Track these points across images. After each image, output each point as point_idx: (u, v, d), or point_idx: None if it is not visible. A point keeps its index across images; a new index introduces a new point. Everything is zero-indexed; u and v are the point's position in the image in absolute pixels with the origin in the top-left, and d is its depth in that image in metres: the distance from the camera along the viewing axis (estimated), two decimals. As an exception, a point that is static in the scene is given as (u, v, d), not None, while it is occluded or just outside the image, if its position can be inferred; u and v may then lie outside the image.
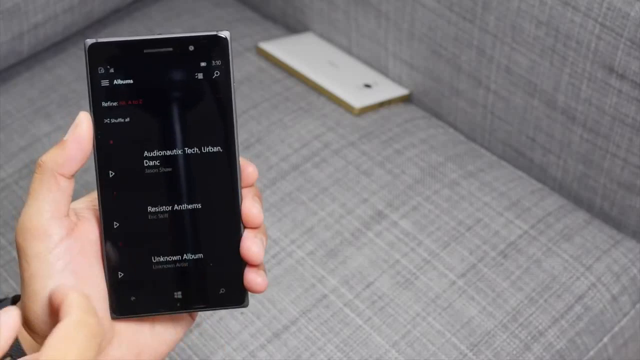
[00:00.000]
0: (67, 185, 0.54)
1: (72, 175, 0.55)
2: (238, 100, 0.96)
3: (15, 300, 0.58)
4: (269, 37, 1.07)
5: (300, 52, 1.04)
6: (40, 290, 0.54)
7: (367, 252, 0.84)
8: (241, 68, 1.02)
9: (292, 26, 1.11)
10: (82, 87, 0.96)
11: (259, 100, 0.98)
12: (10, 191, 0.90)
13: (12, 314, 0.48)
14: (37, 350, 0.50)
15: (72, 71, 1.00)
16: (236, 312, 0.79)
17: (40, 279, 0.53)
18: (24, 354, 0.54)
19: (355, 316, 0.80)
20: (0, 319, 0.48)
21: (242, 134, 0.94)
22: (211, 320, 0.79)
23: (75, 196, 0.57)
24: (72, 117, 0.55)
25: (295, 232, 0.86)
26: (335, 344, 0.78)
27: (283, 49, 1.04)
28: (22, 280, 0.54)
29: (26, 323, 0.55)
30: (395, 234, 0.86)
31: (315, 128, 0.95)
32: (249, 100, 0.98)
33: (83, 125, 0.55)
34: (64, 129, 0.93)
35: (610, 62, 0.83)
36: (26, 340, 0.55)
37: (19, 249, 0.54)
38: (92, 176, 0.56)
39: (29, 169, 0.91)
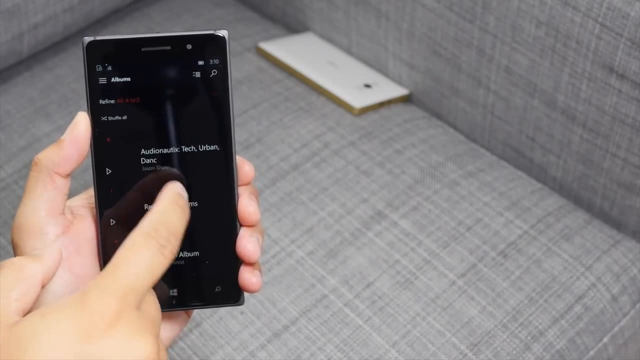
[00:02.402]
0: (63, 184, 0.55)
1: (69, 174, 0.55)
2: (238, 100, 0.97)
3: None
4: (269, 37, 1.07)
5: (300, 52, 1.04)
6: None
7: (367, 252, 0.84)
8: (241, 68, 1.02)
9: (292, 26, 1.11)
10: (82, 87, 0.96)
11: (259, 100, 0.98)
12: (10, 191, 0.90)
13: (55, 247, 0.52)
14: None
15: (72, 71, 1.00)
16: (236, 312, 0.79)
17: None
18: None
19: (355, 316, 0.80)
20: (43, 251, 0.51)
21: (242, 134, 0.94)
22: (211, 320, 0.79)
23: (73, 194, 0.58)
24: (72, 117, 0.55)
25: (295, 232, 0.86)
26: (335, 344, 0.78)
27: (283, 49, 1.04)
28: None
29: None
30: (395, 234, 0.86)
31: (315, 128, 0.95)
32: (249, 100, 0.98)
33: (80, 125, 0.55)
34: (64, 129, 0.93)
35: (610, 62, 0.83)
36: None
37: (14, 247, 0.54)
38: (91, 175, 0.56)
39: (29, 169, 0.91)
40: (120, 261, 0.48)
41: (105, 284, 0.48)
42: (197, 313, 0.79)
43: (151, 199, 0.56)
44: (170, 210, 0.52)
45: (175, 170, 0.56)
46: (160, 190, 0.53)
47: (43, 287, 0.51)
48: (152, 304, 0.50)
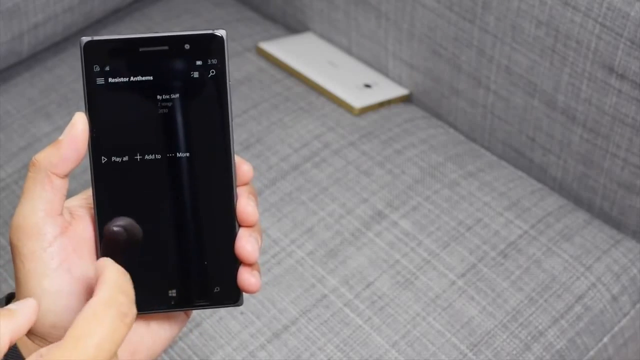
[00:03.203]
0: (61, 185, 0.54)
1: (66, 175, 0.55)
2: (238, 100, 0.97)
3: (9, 298, 0.58)
4: (269, 37, 1.07)
5: (300, 52, 1.04)
6: (34, 289, 0.54)
7: (367, 252, 0.84)
8: (241, 68, 1.02)
9: (292, 26, 1.11)
10: (81, 87, 0.96)
11: (259, 100, 0.98)
12: (10, 191, 0.90)
13: (30, 302, 0.49)
14: (34, 351, 0.50)
15: (72, 71, 1.00)
16: (236, 312, 0.79)
17: (35, 277, 0.53)
18: (20, 355, 0.54)
19: (355, 316, 0.80)
20: (17, 307, 0.48)
21: (242, 134, 0.94)
22: (211, 320, 0.79)
23: (73, 194, 0.57)
24: (72, 117, 0.55)
25: (295, 232, 0.86)
26: (335, 344, 0.78)
27: (283, 49, 1.04)
28: (17, 279, 0.54)
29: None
30: (395, 234, 0.86)
31: (315, 128, 0.95)
32: (249, 100, 0.98)
33: (78, 126, 0.55)
34: (63, 129, 0.93)
35: (610, 62, 0.83)
36: (20, 341, 0.55)
37: (13, 248, 0.54)
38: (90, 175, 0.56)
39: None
40: (81, 333, 0.47)
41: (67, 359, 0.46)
42: (196, 313, 0.79)
43: (150, 200, 0.56)
44: (123, 279, 0.50)
45: (170, 175, 0.56)
46: (102, 266, 0.51)
47: (11, 345, 0.49)
48: None
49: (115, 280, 0.49)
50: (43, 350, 0.47)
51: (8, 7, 0.93)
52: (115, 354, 0.47)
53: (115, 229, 0.55)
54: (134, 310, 0.49)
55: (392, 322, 0.80)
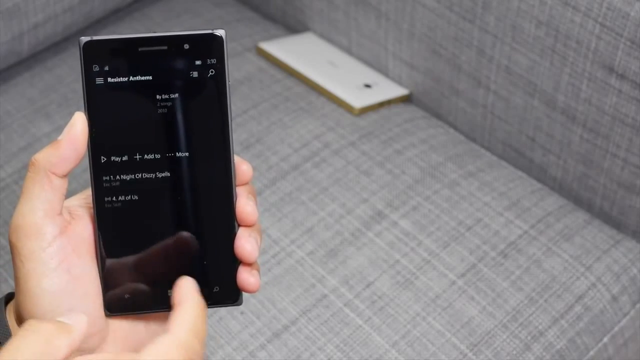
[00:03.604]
0: (61, 184, 0.54)
1: (66, 175, 0.55)
2: (238, 100, 0.97)
3: (8, 298, 0.58)
4: (269, 37, 1.07)
5: (300, 52, 1.04)
6: (34, 289, 0.54)
7: (367, 252, 0.84)
8: (241, 68, 1.02)
9: (292, 26, 1.11)
10: (81, 87, 0.96)
11: (259, 100, 0.98)
12: (10, 191, 0.90)
13: (83, 318, 0.50)
14: None
15: (72, 71, 1.00)
16: (236, 312, 0.79)
17: (34, 277, 0.53)
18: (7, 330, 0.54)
19: (355, 316, 0.80)
20: (72, 321, 0.49)
21: (242, 134, 0.94)
22: (211, 320, 0.79)
23: (73, 194, 0.57)
24: (71, 117, 0.55)
25: (295, 232, 0.86)
26: (335, 344, 0.78)
27: (283, 49, 1.04)
28: (16, 279, 0.54)
29: (20, 322, 0.55)
30: (395, 234, 0.86)
31: (315, 128, 0.95)
32: (249, 100, 0.98)
33: (78, 126, 0.55)
34: (63, 129, 0.93)
35: (610, 62, 0.83)
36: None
37: (12, 248, 0.54)
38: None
39: (28, 169, 0.91)
40: None
41: None
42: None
43: (149, 199, 0.56)
44: (201, 319, 0.51)
45: (169, 174, 0.56)
46: (179, 287, 0.52)
47: None
48: None
49: (194, 322, 0.51)
50: None
51: (8, 7, 0.93)
52: None
53: None
54: (202, 353, 0.50)
55: (392, 322, 0.80)
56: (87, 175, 0.56)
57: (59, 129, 0.94)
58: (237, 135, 0.93)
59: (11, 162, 0.92)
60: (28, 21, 0.96)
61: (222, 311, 0.79)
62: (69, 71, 1.01)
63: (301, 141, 0.94)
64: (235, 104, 0.96)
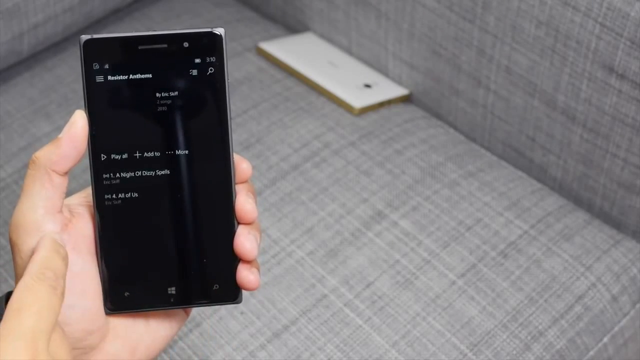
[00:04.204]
0: (61, 182, 0.55)
1: (66, 173, 0.55)
2: (238, 101, 0.97)
3: (8, 297, 0.58)
4: (269, 37, 1.07)
5: (300, 52, 1.04)
6: None
7: (367, 252, 0.84)
8: (241, 68, 1.02)
9: (292, 26, 1.11)
10: (81, 86, 0.96)
11: (259, 100, 0.98)
12: (10, 191, 0.90)
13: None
14: None
15: (72, 71, 1.00)
16: (236, 312, 0.79)
17: None
18: None
19: (355, 316, 0.80)
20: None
21: (242, 134, 0.94)
22: (211, 320, 0.79)
23: (73, 194, 0.58)
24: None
25: (295, 232, 0.86)
26: (335, 344, 0.78)
27: (283, 49, 1.04)
28: (17, 276, 0.54)
29: None
30: (395, 234, 0.86)
31: (315, 128, 0.95)
32: (249, 100, 0.98)
33: (78, 124, 0.55)
34: (63, 128, 0.94)
35: (610, 62, 0.83)
36: None
37: (12, 245, 0.54)
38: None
39: (28, 169, 0.91)
40: (20, 305, 0.49)
41: (12, 330, 0.47)
42: (197, 313, 0.79)
43: (149, 197, 0.56)
44: (50, 255, 0.52)
45: (169, 172, 0.56)
46: (36, 244, 0.53)
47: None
48: (59, 343, 0.50)
49: (43, 257, 0.52)
50: None
51: (8, 7, 0.93)
52: (55, 324, 0.49)
53: None
54: (62, 284, 0.51)
55: (392, 322, 0.80)
56: (87, 175, 0.56)
57: (59, 129, 0.94)
58: (237, 135, 0.93)
59: (11, 162, 0.92)
60: (28, 21, 0.96)
61: (222, 311, 0.79)
62: (69, 71, 1.01)
63: (301, 141, 0.94)
64: (235, 104, 0.96)
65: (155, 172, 0.56)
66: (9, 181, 0.91)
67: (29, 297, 0.49)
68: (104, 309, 0.56)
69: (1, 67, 0.98)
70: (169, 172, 0.56)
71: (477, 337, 0.79)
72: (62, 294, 0.51)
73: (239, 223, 0.57)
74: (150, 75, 0.55)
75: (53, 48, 1.03)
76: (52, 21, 0.98)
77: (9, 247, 0.85)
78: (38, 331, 0.48)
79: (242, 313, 0.79)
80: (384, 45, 1.01)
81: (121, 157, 0.55)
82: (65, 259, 0.53)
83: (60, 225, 0.55)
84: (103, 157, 0.55)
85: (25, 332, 0.47)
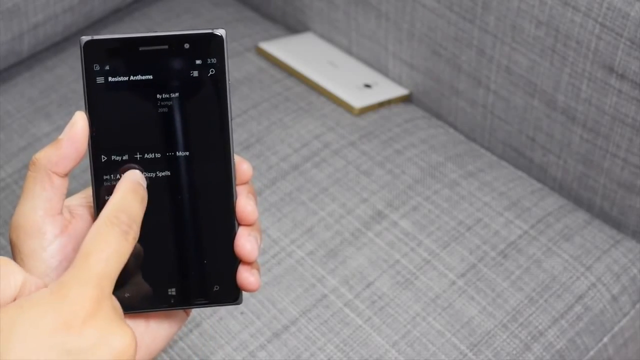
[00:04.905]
0: (61, 184, 0.55)
1: (66, 174, 0.55)
2: (238, 101, 0.97)
3: None
4: (269, 37, 1.07)
5: (300, 52, 1.04)
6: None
7: (367, 252, 0.84)
8: (241, 68, 1.02)
9: (292, 26, 1.11)
10: (81, 87, 0.96)
11: (259, 100, 0.98)
12: (10, 191, 0.90)
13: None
14: None
15: (72, 71, 1.00)
16: (236, 312, 0.79)
17: (35, 276, 0.54)
18: None
19: (355, 316, 0.80)
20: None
21: (242, 134, 0.94)
22: (211, 320, 0.79)
23: (74, 194, 0.57)
24: (72, 117, 0.55)
25: (295, 232, 0.86)
26: (335, 344, 0.78)
27: (283, 49, 1.04)
28: None
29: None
30: (395, 234, 0.86)
31: (315, 128, 0.95)
32: (249, 100, 0.98)
33: (78, 125, 0.55)
34: (64, 129, 0.93)
35: (610, 62, 0.83)
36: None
37: (13, 247, 0.54)
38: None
39: (29, 169, 0.91)
40: (89, 250, 0.50)
41: (80, 275, 0.49)
42: (197, 313, 0.79)
43: (149, 198, 0.56)
44: (128, 197, 0.53)
45: (170, 173, 0.56)
46: (120, 179, 0.54)
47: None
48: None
49: (120, 200, 0.53)
50: (52, 283, 0.50)
51: (8, 7, 0.93)
52: (119, 271, 0.51)
53: None
54: (135, 229, 0.52)
55: (392, 322, 0.80)
56: (87, 175, 0.56)
57: (59, 129, 0.94)
58: (237, 135, 0.93)
59: (11, 162, 0.92)
60: (28, 21, 0.96)
61: (222, 311, 0.79)
62: (69, 71, 1.01)
63: (301, 141, 0.94)
64: (235, 104, 0.96)
65: (156, 174, 0.56)
66: (9, 181, 0.91)
67: (98, 242, 0.50)
68: None
69: (1, 67, 0.98)
70: (169, 174, 0.56)
71: (477, 337, 0.79)
72: (135, 238, 0.52)
73: (239, 224, 0.57)
74: (150, 77, 0.55)
75: (53, 48, 1.03)
76: (52, 21, 0.98)
77: (9, 247, 0.85)
78: (104, 276, 0.49)
79: (242, 313, 0.79)
80: (384, 45, 1.01)
81: (121, 158, 0.55)
82: (143, 200, 0.54)
83: (60, 227, 0.55)
84: (103, 158, 0.55)
85: (92, 277, 0.49)
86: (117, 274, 0.50)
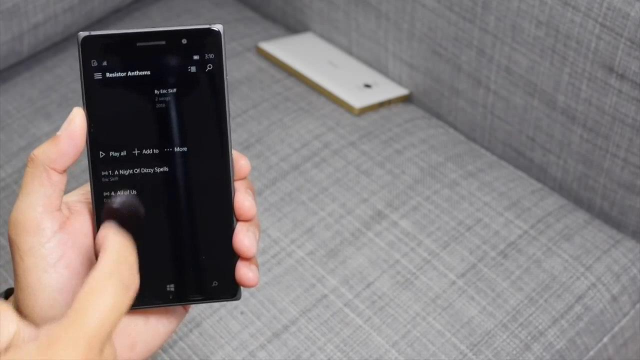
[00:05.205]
0: (60, 180, 0.54)
1: (65, 170, 0.55)
2: (238, 100, 0.97)
3: (8, 293, 0.58)
4: (269, 37, 1.07)
5: (300, 52, 1.04)
6: (34, 284, 0.54)
7: (367, 252, 0.84)
8: (241, 68, 1.02)
9: (292, 26, 1.11)
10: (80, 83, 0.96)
11: (259, 100, 0.98)
12: (10, 191, 0.90)
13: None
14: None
15: (72, 71, 1.00)
16: (236, 312, 0.79)
17: (34, 273, 0.54)
18: None
19: (355, 316, 0.80)
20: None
21: (242, 134, 0.94)
22: (211, 320, 0.79)
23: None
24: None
25: (295, 232, 0.86)
26: (335, 344, 0.78)
27: (283, 49, 1.04)
28: (16, 275, 0.54)
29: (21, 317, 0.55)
30: (395, 234, 0.86)
31: (315, 128, 0.95)
32: (249, 100, 0.98)
33: (76, 121, 0.55)
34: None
35: (610, 62, 0.83)
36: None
37: (11, 243, 0.54)
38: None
39: (27, 167, 0.91)
40: (84, 305, 0.46)
41: (71, 333, 0.46)
42: (197, 313, 0.79)
43: (147, 194, 0.56)
44: (126, 248, 0.50)
45: (167, 169, 0.56)
46: (103, 236, 0.51)
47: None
48: (111, 348, 0.49)
49: (117, 250, 0.49)
50: (43, 329, 0.47)
51: (8, 7, 0.93)
52: (115, 327, 0.47)
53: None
54: (136, 280, 0.49)
55: (392, 322, 0.80)
56: (86, 176, 0.56)
57: (59, 129, 0.94)
58: (237, 135, 0.93)
59: (11, 162, 0.92)
60: (28, 21, 0.96)
61: (222, 311, 0.79)
62: (69, 71, 1.01)
63: (301, 141, 0.94)
64: (235, 104, 0.96)
65: (154, 169, 0.56)
66: (9, 181, 0.91)
67: (94, 298, 0.47)
68: None
69: (1, 67, 0.98)
70: (167, 169, 0.56)
71: (477, 337, 0.79)
72: (135, 292, 0.48)
73: (237, 220, 0.57)
74: (148, 72, 0.55)
75: (53, 48, 1.04)
76: (52, 21, 0.98)
77: (8, 248, 0.85)
78: (95, 337, 0.46)
79: (242, 313, 0.79)
80: (384, 45, 1.01)
81: (120, 154, 0.55)
82: (135, 252, 0.51)
83: (58, 223, 0.55)
84: (101, 154, 0.55)
85: (82, 338, 0.45)
86: (113, 331, 0.47)
